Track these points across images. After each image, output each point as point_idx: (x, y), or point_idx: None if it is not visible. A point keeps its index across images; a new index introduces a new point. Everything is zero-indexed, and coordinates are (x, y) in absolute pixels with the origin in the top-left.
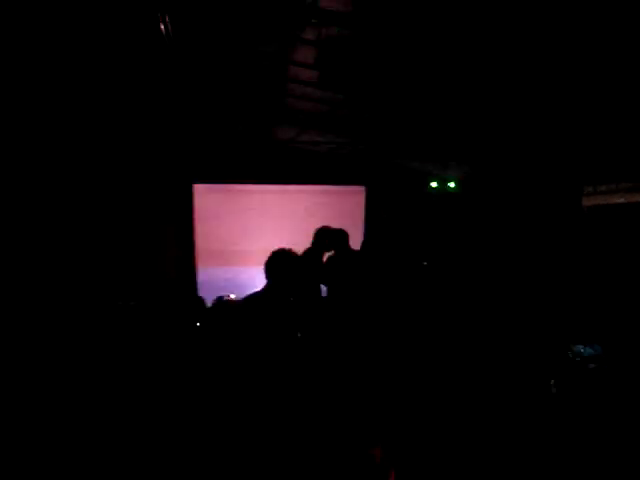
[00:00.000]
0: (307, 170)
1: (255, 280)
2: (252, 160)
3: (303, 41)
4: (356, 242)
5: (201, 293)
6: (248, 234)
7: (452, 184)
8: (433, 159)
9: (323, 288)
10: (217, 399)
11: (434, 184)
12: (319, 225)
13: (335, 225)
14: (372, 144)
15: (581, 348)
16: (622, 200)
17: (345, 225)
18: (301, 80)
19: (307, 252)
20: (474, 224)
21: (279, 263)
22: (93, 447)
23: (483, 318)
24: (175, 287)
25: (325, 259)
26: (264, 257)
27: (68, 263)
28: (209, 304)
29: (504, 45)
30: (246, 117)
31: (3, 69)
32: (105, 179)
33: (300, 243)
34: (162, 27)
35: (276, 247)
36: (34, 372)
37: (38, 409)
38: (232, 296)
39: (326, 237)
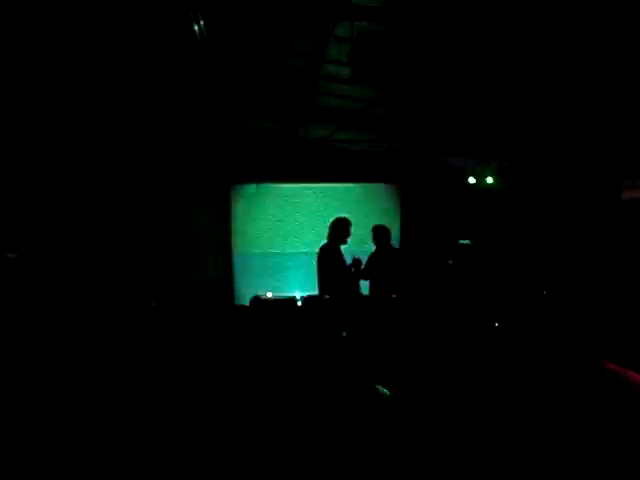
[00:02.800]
0: (342, 168)
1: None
2: (287, 159)
3: (336, 38)
4: None
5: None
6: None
7: (490, 179)
8: (470, 155)
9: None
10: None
11: (472, 180)
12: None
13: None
14: (407, 141)
15: None
16: None
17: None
18: (334, 78)
19: (325, 247)
20: (513, 219)
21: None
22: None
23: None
24: (213, 288)
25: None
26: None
27: (105, 265)
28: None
29: (542, 38)
30: (281, 116)
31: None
32: (144, 181)
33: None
34: (196, 28)
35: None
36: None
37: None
38: (269, 294)
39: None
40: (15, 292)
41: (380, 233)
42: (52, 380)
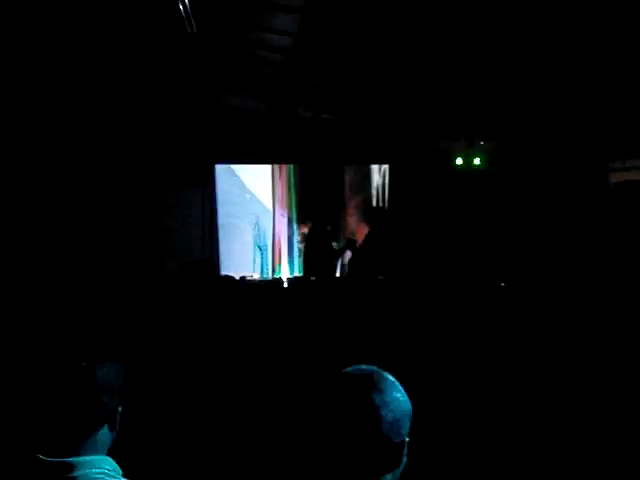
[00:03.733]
0: (330, 148)
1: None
2: (274, 139)
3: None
4: None
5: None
6: None
7: (477, 161)
8: (458, 136)
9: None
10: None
11: (459, 161)
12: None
13: None
14: (396, 121)
15: None
16: None
17: None
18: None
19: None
20: (499, 200)
21: None
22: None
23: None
24: (198, 267)
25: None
26: None
27: (89, 246)
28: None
29: (529, 20)
30: (267, 95)
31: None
32: (129, 162)
33: None
34: (181, 7)
35: None
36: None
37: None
38: (255, 276)
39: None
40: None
41: (376, 214)
42: (40, 364)
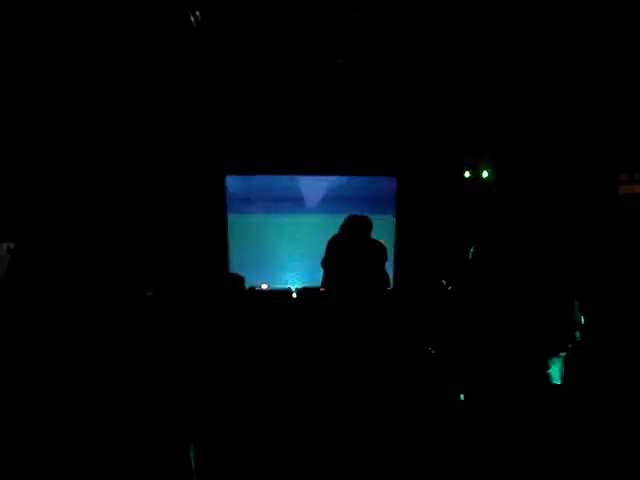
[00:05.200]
0: (338, 160)
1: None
2: (284, 150)
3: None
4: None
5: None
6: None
7: (485, 173)
8: (466, 148)
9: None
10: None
11: (467, 173)
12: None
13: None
14: (403, 133)
15: None
16: None
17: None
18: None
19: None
20: (507, 213)
21: None
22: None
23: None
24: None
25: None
26: None
27: (99, 253)
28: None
29: (538, 29)
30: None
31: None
32: (137, 169)
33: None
34: (192, 17)
35: None
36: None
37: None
38: (264, 286)
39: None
40: (10, 282)
41: (360, 224)
42: (45, 372)
